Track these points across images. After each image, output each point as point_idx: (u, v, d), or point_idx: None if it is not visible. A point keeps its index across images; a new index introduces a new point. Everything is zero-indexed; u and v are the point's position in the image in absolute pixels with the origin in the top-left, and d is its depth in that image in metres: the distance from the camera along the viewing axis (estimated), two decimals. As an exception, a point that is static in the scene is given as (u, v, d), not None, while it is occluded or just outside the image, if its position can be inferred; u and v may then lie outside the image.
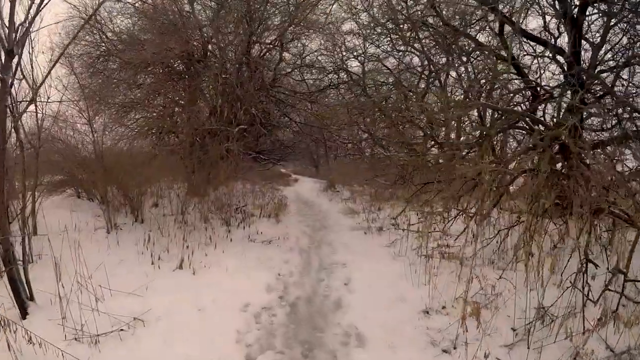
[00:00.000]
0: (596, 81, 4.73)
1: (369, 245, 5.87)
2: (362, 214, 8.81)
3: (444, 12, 7.18)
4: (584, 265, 3.19)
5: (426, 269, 4.19)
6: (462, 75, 12.13)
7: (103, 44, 8.99)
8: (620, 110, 4.45)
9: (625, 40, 6.02)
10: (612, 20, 5.93)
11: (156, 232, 5.91)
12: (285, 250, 5.70)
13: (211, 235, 5.88)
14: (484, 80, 9.00)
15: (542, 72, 6.41)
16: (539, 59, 6.09)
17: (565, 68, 6.18)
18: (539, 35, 5.62)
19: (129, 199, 6.68)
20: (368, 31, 11.60)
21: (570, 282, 3.06)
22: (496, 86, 8.93)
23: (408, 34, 10.92)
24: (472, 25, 7.41)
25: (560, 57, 6.15)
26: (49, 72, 3.48)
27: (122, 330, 3.06)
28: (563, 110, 6.02)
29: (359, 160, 16.60)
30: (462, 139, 6.85)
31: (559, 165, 4.87)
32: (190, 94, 8.17)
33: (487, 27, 6.48)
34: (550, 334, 2.93)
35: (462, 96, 12.40)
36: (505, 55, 6.21)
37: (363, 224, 7.59)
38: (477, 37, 8.37)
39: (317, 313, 3.50)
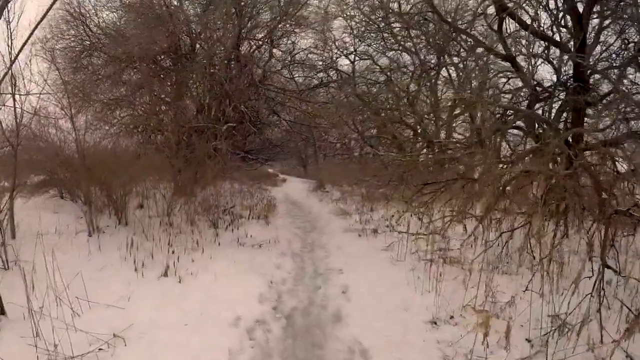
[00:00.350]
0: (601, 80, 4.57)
1: (365, 249, 5.61)
2: (354, 215, 8.58)
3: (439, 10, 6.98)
4: (602, 271, 3.00)
5: (428, 275, 3.95)
6: (453, 75, 12.13)
7: (87, 38, 8.59)
8: (627, 109, 4.30)
9: (619, 41, 5.96)
10: (605, 22, 5.85)
11: (140, 235, 5.58)
12: (277, 254, 5.41)
13: (198, 239, 5.56)
14: (479, 79, 8.90)
15: (535, 71, 6.32)
16: (537, 57, 5.98)
17: (557, 67, 6.08)
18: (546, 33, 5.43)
19: (113, 200, 6.31)
20: (360, 28, 11.45)
21: (593, 289, 2.85)
22: (487, 86, 8.82)
23: (400, 32, 10.82)
24: (468, 23, 7.26)
25: (555, 57, 6.05)
26: (19, 53, 3.11)
27: (100, 349, 2.73)
28: (555, 110, 5.93)
29: (348, 160, 16.45)
30: (456, 137, 6.65)
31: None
32: (177, 89, 7.81)
33: (487, 24, 6.28)
34: (568, 345, 2.73)
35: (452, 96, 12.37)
36: (504, 52, 6.09)
37: (356, 226, 7.35)
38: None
39: (316, 326, 3.21)
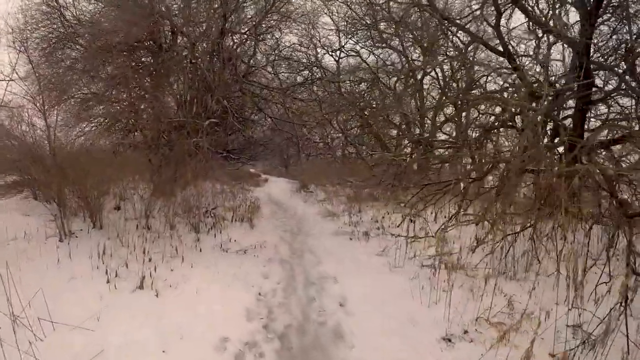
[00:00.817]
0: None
1: (358, 254, 5.25)
2: (342, 216, 8.24)
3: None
4: (629, 277, 2.73)
5: (433, 283, 3.64)
6: (439, 74, 11.98)
7: (64, 28, 7.99)
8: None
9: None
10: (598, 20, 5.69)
11: (115, 240, 5.09)
12: (264, 261, 5.00)
13: (177, 245, 5.08)
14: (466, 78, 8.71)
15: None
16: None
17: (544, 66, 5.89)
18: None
19: (87, 201, 5.77)
20: (347, 26, 11.15)
21: (627, 300, 2.57)
22: (474, 84, 8.63)
23: (387, 29, 10.56)
24: (469, 18, 6.99)
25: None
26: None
27: (61, 385, 2.28)
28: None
29: (331, 159, 16.13)
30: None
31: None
32: (156, 81, 7.28)
33: (484, 19, 6.03)
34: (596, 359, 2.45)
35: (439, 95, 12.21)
36: (500, 48, 5.86)
37: (346, 228, 7.02)
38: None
39: (314, 347, 2.81)
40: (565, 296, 3.19)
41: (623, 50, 5.32)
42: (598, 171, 3.47)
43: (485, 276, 3.66)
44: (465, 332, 2.91)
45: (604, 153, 4.28)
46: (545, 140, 5.11)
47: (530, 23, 5.30)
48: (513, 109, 5.59)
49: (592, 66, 4.52)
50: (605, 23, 5.25)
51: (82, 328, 2.88)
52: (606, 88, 4.97)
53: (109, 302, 3.39)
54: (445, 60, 9.19)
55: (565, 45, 5.09)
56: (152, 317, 3.12)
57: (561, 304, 3.13)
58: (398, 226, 5.35)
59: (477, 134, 5.91)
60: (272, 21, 9.62)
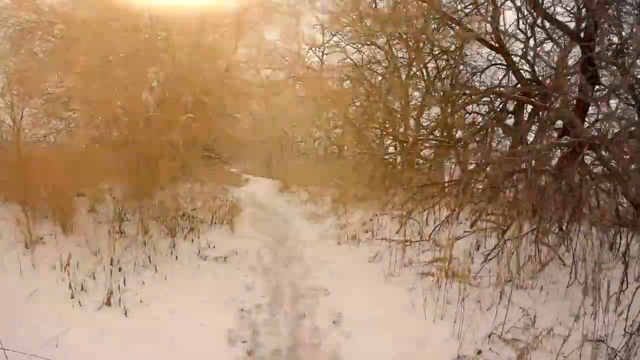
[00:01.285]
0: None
1: (349, 260, 4.88)
2: (327, 218, 7.87)
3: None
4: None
5: (434, 294, 3.31)
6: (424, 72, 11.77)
7: (35, 16, 7.38)
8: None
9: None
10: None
11: (85, 247, 4.56)
12: (246, 270, 4.58)
13: (151, 252, 4.60)
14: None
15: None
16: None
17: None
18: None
19: (57, 203, 5.25)
20: (330, 19, 10.81)
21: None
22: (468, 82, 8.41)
23: (374, 27, 10.27)
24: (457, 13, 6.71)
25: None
26: None
27: None
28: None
29: (313, 159, 15.82)
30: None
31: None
32: (132, 71, 6.76)
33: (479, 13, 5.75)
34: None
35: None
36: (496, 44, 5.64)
37: (332, 232, 6.64)
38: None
39: (310, 379, 2.42)
40: (583, 306, 2.94)
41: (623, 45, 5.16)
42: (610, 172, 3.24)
43: (493, 285, 3.37)
44: (479, 352, 2.58)
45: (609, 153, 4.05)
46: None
47: (530, 17, 5.05)
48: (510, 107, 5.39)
49: (596, 62, 4.30)
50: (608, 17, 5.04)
51: (37, 357, 2.42)
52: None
53: (71, 323, 2.93)
54: (434, 56, 8.96)
55: (566, 40, 4.84)
56: (118, 342, 2.68)
57: (578, 314, 2.86)
58: (397, 232, 5.01)
59: (471, 132, 5.68)
60: (253, 15, 9.21)
